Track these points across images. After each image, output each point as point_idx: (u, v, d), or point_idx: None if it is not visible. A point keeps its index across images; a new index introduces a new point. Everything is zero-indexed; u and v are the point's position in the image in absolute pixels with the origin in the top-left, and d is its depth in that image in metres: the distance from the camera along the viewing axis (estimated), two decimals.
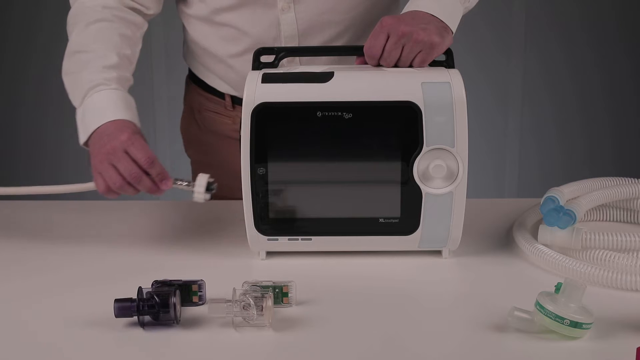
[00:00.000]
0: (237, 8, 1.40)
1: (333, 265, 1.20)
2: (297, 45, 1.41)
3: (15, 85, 3.25)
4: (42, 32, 3.14)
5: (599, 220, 1.36)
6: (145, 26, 1.41)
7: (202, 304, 1.05)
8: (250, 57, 1.24)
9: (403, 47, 1.21)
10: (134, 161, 1.17)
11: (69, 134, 3.35)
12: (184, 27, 1.55)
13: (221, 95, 1.53)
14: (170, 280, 1.05)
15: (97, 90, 1.25)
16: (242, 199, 1.18)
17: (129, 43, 1.34)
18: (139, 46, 1.38)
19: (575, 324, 0.94)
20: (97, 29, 1.32)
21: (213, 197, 1.64)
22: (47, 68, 3.18)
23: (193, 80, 1.61)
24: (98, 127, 1.22)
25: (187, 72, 1.65)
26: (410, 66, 1.22)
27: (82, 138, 1.24)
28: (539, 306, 0.95)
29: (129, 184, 1.17)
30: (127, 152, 1.17)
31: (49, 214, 1.46)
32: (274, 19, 1.40)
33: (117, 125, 1.21)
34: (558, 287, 0.97)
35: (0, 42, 3.22)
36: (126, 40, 1.33)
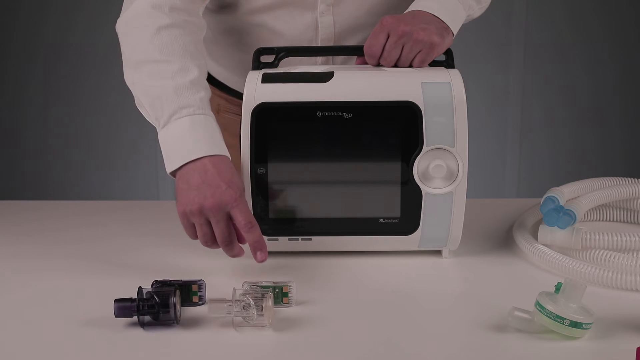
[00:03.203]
0: (273, 9, 1.37)
1: (333, 265, 1.19)
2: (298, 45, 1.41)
3: (18, 85, 3.24)
4: (47, 32, 3.14)
5: (599, 220, 1.36)
6: (205, 27, 1.31)
7: (202, 304, 1.05)
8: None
9: (403, 47, 1.21)
10: (233, 223, 1.11)
11: (73, 135, 3.35)
12: (207, 31, 1.52)
13: (242, 96, 1.51)
14: (170, 280, 1.05)
15: (188, 113, 1.15)
16: None
17: (201, 51, 1.24)
18: (206, 52, 1.30)
19: (575, 324, 0.94)
20: (170, 35, 1.20)
21: None
22: (52, 68, 3.19)
23: (211, 81, 1.56)
24: (192, 161, 1.13)
25: None
26: (410, 66, 1.22)
27: (171, 166, 1.14)
28: (539, 306, 0.95)
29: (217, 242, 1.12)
30: (229, 213, 1.10)
31: (50, 214, 1.46)
32: (312, 21, 1.38)
33: (217, 165, 1.12)
34: (558, 287, 0.97)
35: (4, 43, 3.21)
36: (199, 47, 1.24)
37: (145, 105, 1.19)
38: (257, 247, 1.10)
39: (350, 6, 1.38)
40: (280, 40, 1.39)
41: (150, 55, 1.20)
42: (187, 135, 1.14)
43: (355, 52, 1.27)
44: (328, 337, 0.98)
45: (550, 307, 0.94)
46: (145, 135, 3.12)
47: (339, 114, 1.15)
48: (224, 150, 1.15)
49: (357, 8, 1.38)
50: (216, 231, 1.10)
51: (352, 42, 1.41)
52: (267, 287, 1.03)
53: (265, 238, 1.19)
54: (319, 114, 1.15)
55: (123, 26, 1.25)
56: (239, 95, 1.50)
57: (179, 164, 1.13)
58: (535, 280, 1.13)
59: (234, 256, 1.13)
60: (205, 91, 1.19)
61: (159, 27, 1.20)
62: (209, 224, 1.11)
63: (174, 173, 1.15)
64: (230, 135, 1.55)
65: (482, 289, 1.12)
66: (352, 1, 1.37)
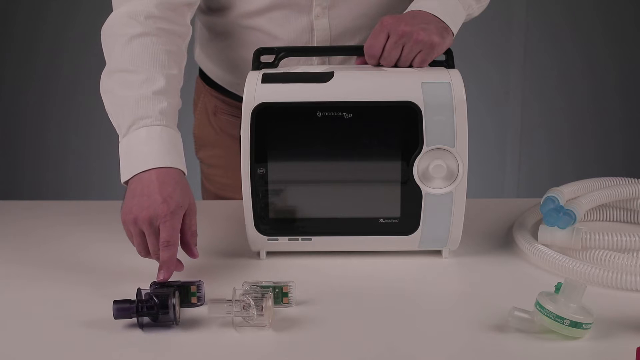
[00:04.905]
0: (268, 12, 1.37)
1: (333, 265, 1.19)
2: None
3: (18, 85, 3.24)
4: (46, 32, 3.14)
5: (599, 220, 1.36)
6: (190, 34, 1.30)
7: (201, 304, 1.05)
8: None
9: (403, 47, 1.21)
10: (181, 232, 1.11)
11: (72, 135, 3.35)
12: (201, 31, 1.52)
13: (239, 98, 1.50)
14: (169, 281, 1.05)
15: (145, 124, 1.15)
16: None
17: (175, 60, 1.23)
18: (185, 61, 1.27)
19: (575, 324, 0.94)
20: (141, 45, 1.20)
21: (220, 197, 1.63)
22: (51, 68, 3.19)
23: (208, 83, 1.56)
24: (141, 172, 1.12)
25: (196, 74, 1.61)
26: (410, 66, 1.22)
27: (124, 176, 1.14)
28: (539, 306, 0.95)
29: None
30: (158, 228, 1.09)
31: (49, 214, 1.46)
32: (307, 24, 1.38)
33: (162, 178, 1.11)
34: (558, 287, 0.97)
35: (4, 43, 3.21)
36: (172, 57, 1.22)
37: (111, 113, 1.19)
38: (163, 266, 1.08)
39: (346, 9, 1.38)
40: (275, 43, 1.39)
41: (120, 64, 1.20)
42: (141, 147, 1.14)
43: (355, 52, 1.27)
44: (328, 337, 0.98)
45: (550, 307, 0.94)
46: None
47: (339, 114, 1.14)
48: (176, 163, 1.14)
49: (352, 11, 1.38)
50: (148, 242, 1.10)
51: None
52: (267, 287, 1.03)
53: (265, 238, 1.19)
54: (319, 114, 1.15)
55: (102, 33, 1.26)
56: (236, 97, 1.50)
57: (129, 175, 1.13)
58: (535, 280, 1.12)
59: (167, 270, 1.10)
60: (169, 101, 1.18)
61: (131, 37, 1.21)
62: (144, 235, 1.10)
63: (128, 183, 1.14)
64: (228, 137, 1.55)
65: (482, 289, 1.12)
66: (348, 4, 1.37)
